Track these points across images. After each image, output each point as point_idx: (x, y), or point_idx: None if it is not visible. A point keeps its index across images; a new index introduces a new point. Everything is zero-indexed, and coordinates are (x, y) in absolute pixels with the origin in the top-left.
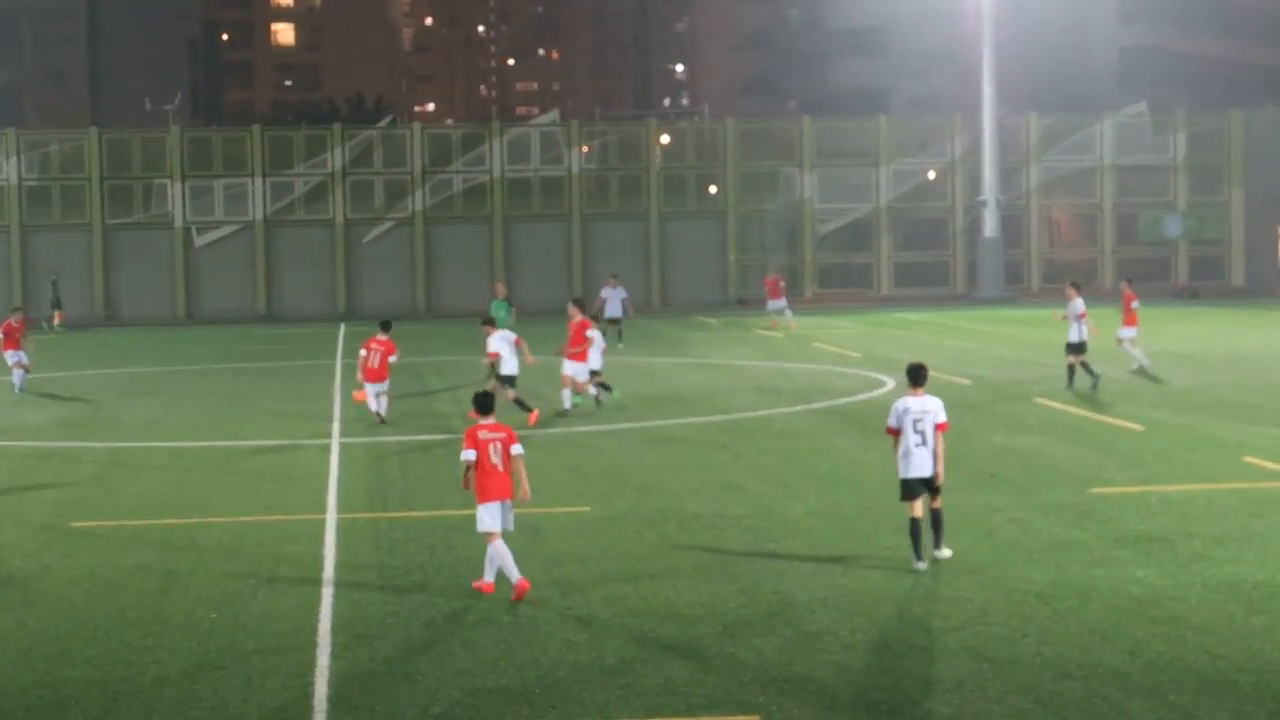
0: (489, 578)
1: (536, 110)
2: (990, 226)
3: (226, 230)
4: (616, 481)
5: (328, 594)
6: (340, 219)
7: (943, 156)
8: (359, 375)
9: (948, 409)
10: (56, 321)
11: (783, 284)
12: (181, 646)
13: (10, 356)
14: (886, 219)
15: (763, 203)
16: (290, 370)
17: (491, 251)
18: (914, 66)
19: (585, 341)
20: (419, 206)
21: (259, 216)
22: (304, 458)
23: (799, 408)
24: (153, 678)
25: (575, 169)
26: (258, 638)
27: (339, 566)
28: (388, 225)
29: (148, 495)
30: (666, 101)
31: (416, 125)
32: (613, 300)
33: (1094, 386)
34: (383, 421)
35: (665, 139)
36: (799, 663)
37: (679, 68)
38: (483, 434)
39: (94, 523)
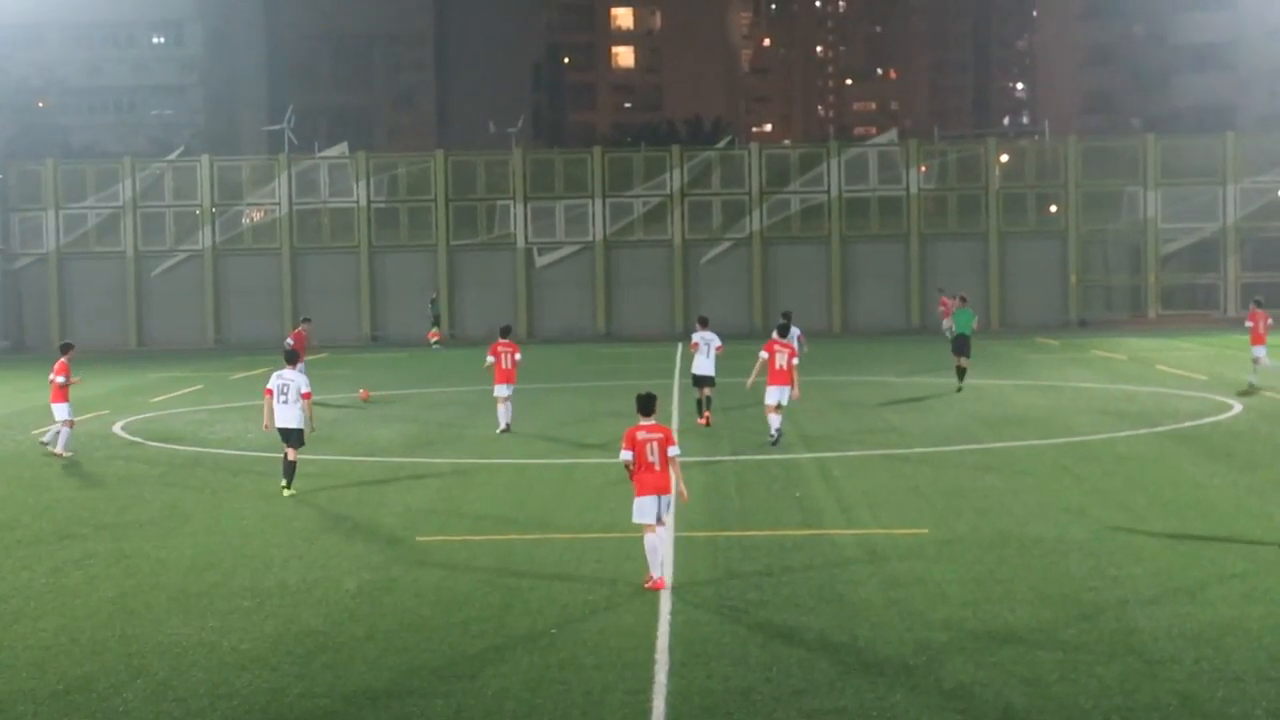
0: (655, 573)
1: (874, 130)
2: None
3: (567, 250)
4: (955, 503)
5: (665, 611)
6: (679, 239)
7: None
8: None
9: None
10: (434, 340)
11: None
12: (523, 660)
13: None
14: (1234, 238)
15: (1104, 222)
16: (629, 389)
17: (830, 271)
18: (1263, 82)
19: None
20: (756, 227)
21: (599, 237)
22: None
23: (1142, 431)
24: (495, 690)
25: (913, 189)
26: (597, 653)
27: (677, 584)
28: (725, 245)
29: (491, 510)
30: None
31: (754, 146)
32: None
33: None
34: (508, 430)
35: (1004, 158)
36: (1143, 691)
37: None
38: (640, 434)
39: (439, 537)
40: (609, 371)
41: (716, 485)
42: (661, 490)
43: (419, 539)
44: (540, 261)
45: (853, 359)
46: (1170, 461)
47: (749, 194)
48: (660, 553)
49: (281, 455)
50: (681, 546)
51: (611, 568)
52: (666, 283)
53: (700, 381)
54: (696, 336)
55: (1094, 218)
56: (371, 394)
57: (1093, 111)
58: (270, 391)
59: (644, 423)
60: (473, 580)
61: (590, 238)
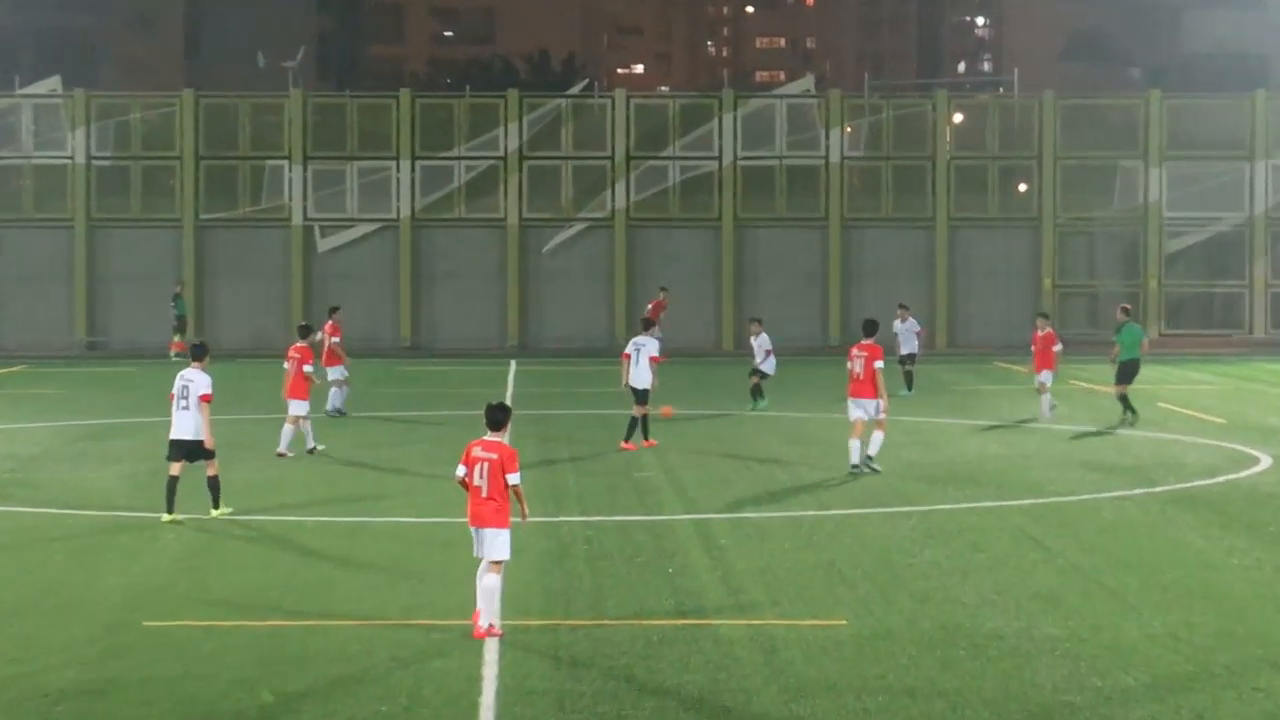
0: (483, 621)
1: (783, 76)
2: None
3: (361, 230)
4: (885, 584)
5: None
6: (514, 218)
7: None
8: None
9: None
10: (176, 352)
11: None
12: None
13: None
14: (1264, 234)
15: (1090, 208)
16: (446, 422)
17: (720, 266)
18: None
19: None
20: (621, 204)
21: (405, 213)
22: (459, 541)
23: (1137, 491)
24: None
25: (835, 156)
26: None
27: (503, 692)
28: (578, 228)
29: (249, 586)
30: (961, 66)
31: (620, 93)
32: (906, 337)
33: None
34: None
35: (958, 118)
36: None
37: (979, 21)
38: (476, 450)
39: (175, 622)
40: (417, 398)
41: (560, 555)
42: (480, 522)
43: (147, 624)
44: (324, 245)
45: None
46: (1173, 533)
47: (611, 159)
48: (494, 596)
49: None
50: (510, 640)
51: (414, 669)
52: (497, 277)
53: (634, 396)
54: (631, 344)
55: (1077, 201)
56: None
57: (1078, 57)
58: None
59: (487, 438)
60: (221, 683)
61: (393, 214)
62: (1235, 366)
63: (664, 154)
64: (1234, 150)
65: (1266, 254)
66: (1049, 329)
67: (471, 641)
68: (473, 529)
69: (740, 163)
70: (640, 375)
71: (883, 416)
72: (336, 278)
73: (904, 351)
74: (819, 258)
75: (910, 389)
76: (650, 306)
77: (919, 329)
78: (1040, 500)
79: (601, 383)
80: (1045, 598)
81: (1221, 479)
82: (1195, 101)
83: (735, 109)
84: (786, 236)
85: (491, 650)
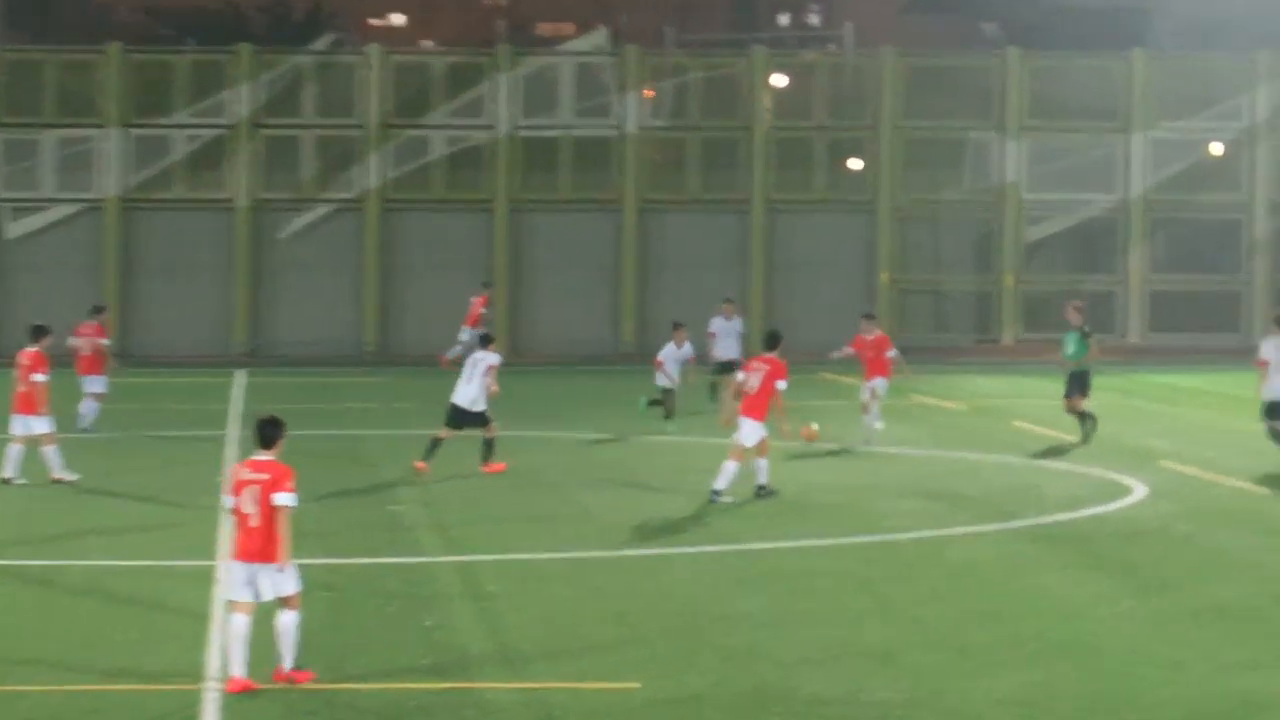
0: (236, 670)
1: (572, 29)
2: None
3: (59, 213)
4: (688, 640)
5: None
6: (245, 199)
7: (1236, 119)
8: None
9: (1236, 532)
10: None
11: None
12: None
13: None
14: (1141, 220)
15: (937, 188)
16: (158, 446)
17: (492, 255)
18: None
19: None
20: (375, 182)
21: (112, 192)
22: (173, 590)
23: (989, 527)
24: None
25: (632, 126)
26: None
27: None
28: (323, 211)
29: None
30: (784, 20)
31: (374, 49)
32: (726, 338)
33: None
34: (63, 482)
35: (780, 80)
36: None
37: None
38: (244, 473)
39: None
40: (114, 417)
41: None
42: (251, 555)
43: None
44: (13, 230)
45: (531, 401)
46: (1031, 576)
47: (364, 128)
48: (239, 646)
49: None
50: (230, 708)
51: None
52: (223, 269)
53: (456, 417)
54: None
55: (920, 180)
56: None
57: (922, 9)
58: None
59: (257, 457)
60: None
61: (98, 193)
62: (1105, 378)
63: (427, 122)
64: (1106, 120)
65: (1144, 244)
66: (878, 332)
67: (181, 703)
68: (239, 565)
69: (518, 133)
70: (469, 392)
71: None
72: (28, 270)
73: (722, 357)
74: (611, 247)
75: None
76: (474, 301)
77: (742, 331)
78: (874, 538)
79: (352, 396)
80: (878, 655)
81: (1088, 512)
82: (1061, 62)
83: (512, 68)
84: (573, 221)
85: (211, 714)
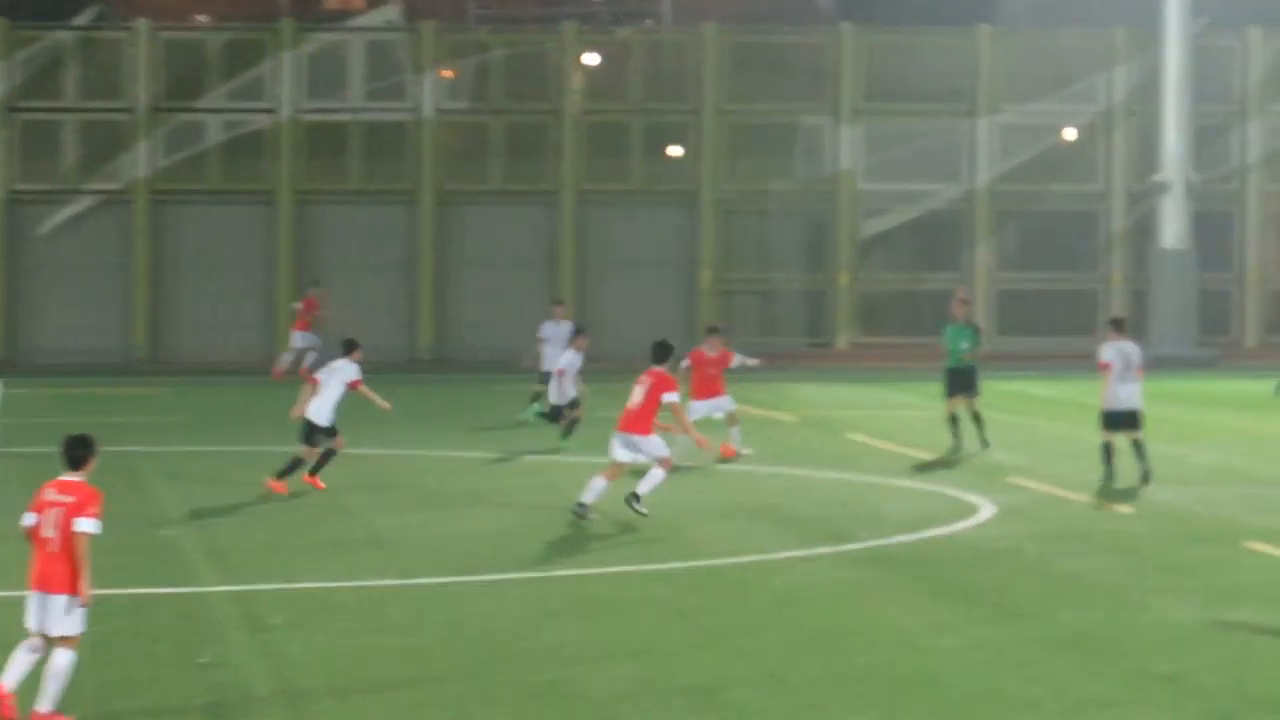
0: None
1: (362, 3)
2: (1173, 230)
3: None
4: (488, 677)
5: None
6: None
7: (1092, 102)
8: None
9: (1090, 554)
10: None
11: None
12: None
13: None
14: (988, 212)
15: (765, 177)
16: None
17: (275, 252)
18: None
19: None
20: (144, 172)
21: None
22: None
23: (821, 550)
24: None
25: (429, 110)
26: None
27: None
28: (86, 204)
29: None
30: None
31: (142, 24)
32: (557, 343)
33: None
34: None
35: (592, 59)
36: None
37: None
38: (48, 494)
39: None
40: None
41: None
42: (46, 584)
43: None
44: None
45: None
46: (867, 604)
47: (131, 111)
48: (17, 669)
49: None
50: None
51: None
52: None
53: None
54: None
55: (746, 170)
56: None
57: None
58: None
59: (64, 477)
60: None
61: None
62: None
63: (202, 105)
64: (950, 103)
65: (991, 240)
66: (723, 348)
67: None
68: (34, 593)
69: (303, 117)
70: (319, 405)
71: (668, 454)
72: None
73: (551, 366)
74: (406, 243)
75: (539, 411)
76: (299, 307)
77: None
78: (696, 563)
79: (120, 409)
80: (699, 691)
81: (930, 533)
82: (901, 39)
83: (295, 46)
84: (364, 214)
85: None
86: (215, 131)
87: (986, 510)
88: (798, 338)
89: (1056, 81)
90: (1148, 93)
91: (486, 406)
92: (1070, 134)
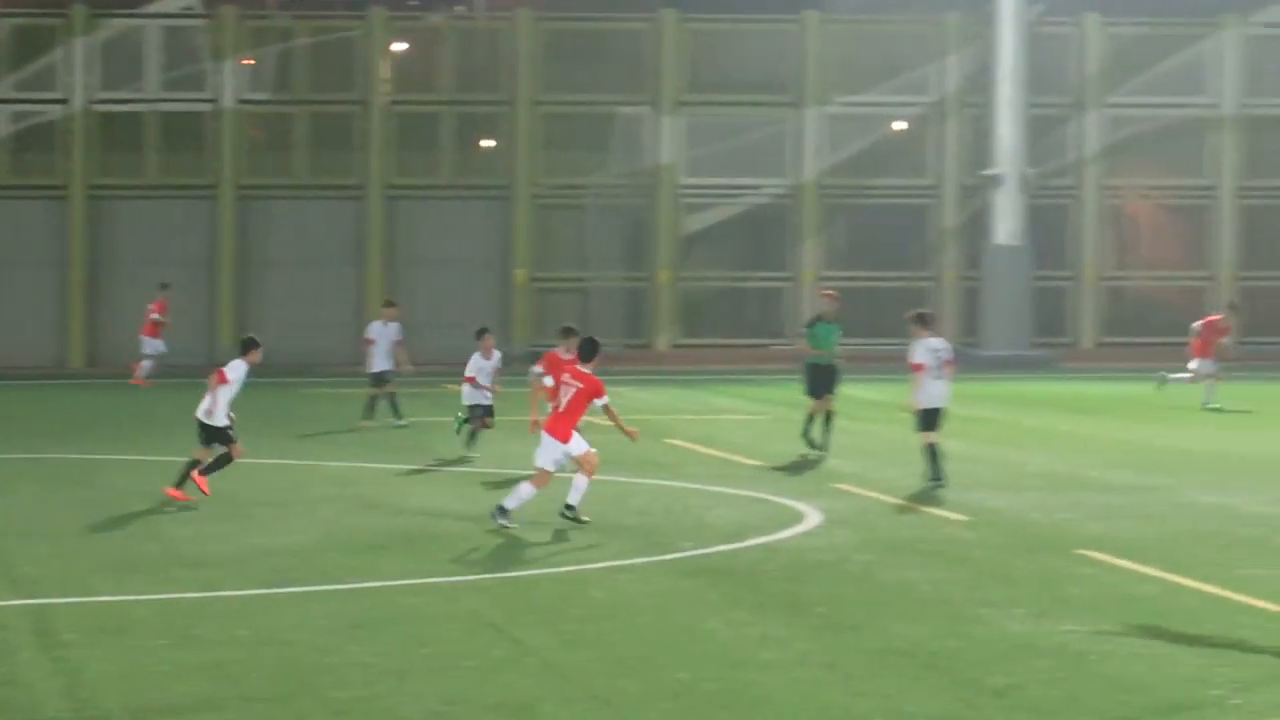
0: None
1: None
2: (1008, 226)
3: None
4: (292, 693)
5: None
6: None
7: (923, 92)
8: None
9: (921, 563)
10: None
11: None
12: None
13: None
14: (815, 208)
15: (582, 171)
16: None
17: (68, 249)
18: None
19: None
20: None
21: None
22: None
23: (639, 560)
24: None
25: (229, 100)
26: None
27: None
28: None
29: None
30: None
31: None
32: (383, 344)
33: None
34: None
35: (401, 47)
36: None
37: None
38: None
39: None
40: None
41: None
42: None
43: None
44: None
45: (108, 420)
46: (687, 616)
47: None
48: None
49: None
50: None
51: None
52: None
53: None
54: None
55: (562, 162)
56: None
57: None
58: None
59: None
60: None
61: None
62: (775, 389)
63: None
64: (775, 94)
65: (817, 237)
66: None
67: None
68: None
69: (96, 108)
70: (206, 404)
71: (584, 453)
72: None
73: (379, 368)
74: (205, 239)
75: (401, 419)
76: (151, 308)
77: (399, 338)
78: (506, 574)
79: None
80: (512, 708)
81: (754, 542)
82: (724, 26)
83: (87, 33)
84: (160, 210)
85: None
86: (3, 124)
87: (813, 518)
88: (616, 338)
89: (886, 71)
90: (981, 83)
91: (296, 410)
92: (901, 126)
